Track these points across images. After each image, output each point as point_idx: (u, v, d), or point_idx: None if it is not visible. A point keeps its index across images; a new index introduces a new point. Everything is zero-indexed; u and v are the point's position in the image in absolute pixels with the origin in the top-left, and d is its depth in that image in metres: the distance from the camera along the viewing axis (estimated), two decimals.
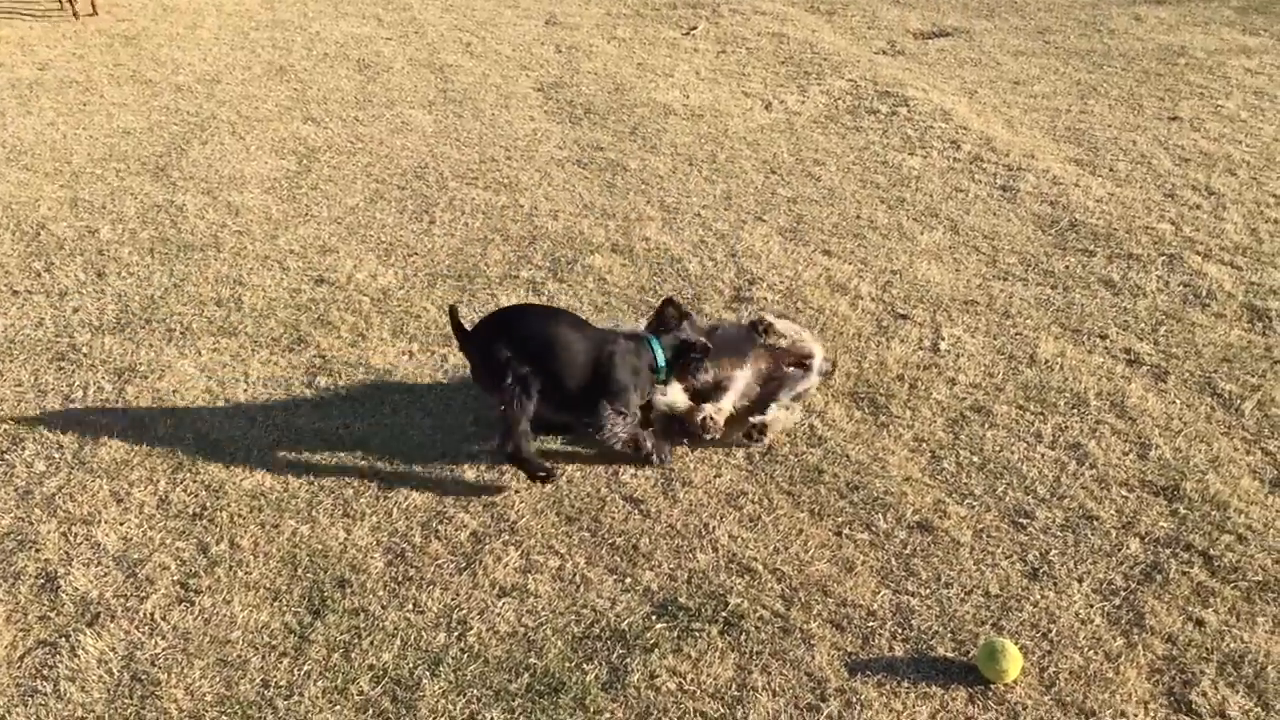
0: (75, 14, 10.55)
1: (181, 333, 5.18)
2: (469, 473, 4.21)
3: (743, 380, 4.44)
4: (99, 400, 4.68)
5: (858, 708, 3.21)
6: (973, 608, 3.55)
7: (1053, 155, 6.99)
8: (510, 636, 3.48)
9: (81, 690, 3.32)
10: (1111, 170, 6.75)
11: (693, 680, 3.31)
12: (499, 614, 3.56)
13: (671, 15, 10.57)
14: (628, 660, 3.38)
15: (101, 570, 3.78)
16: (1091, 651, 3.37)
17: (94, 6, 10.69)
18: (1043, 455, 4.24)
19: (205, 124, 7.81)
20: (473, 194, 6.62)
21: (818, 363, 4.56)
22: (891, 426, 4.42)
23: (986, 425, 4.41)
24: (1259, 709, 3.17)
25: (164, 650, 3.45)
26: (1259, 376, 4.66)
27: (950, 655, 3.38)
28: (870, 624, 3.50)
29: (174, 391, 4.74)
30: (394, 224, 6.26)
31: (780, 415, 4.36)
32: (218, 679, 3.35)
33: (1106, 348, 4.90)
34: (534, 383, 4.06)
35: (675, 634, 3.47)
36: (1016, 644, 3.33)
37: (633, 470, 4.20)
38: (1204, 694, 3.22)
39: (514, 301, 5.35)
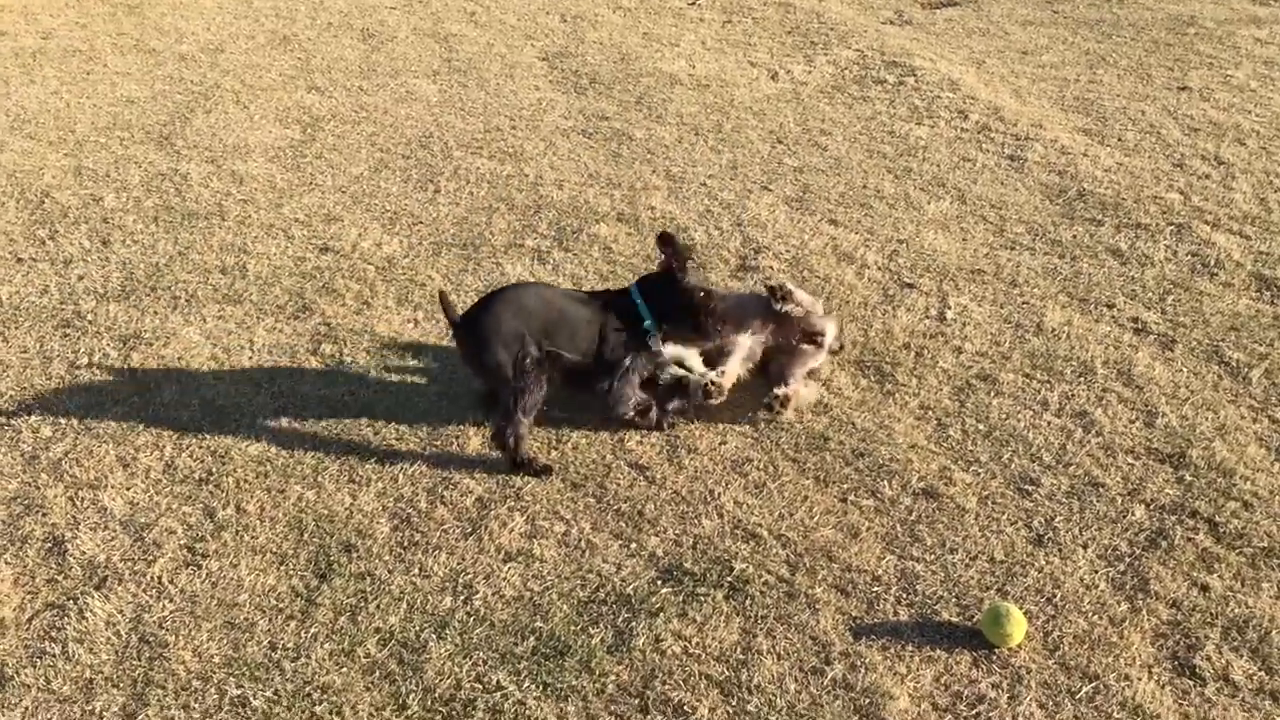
0: None
1: (187, 300, 5.18)
2: (474, 439, 4.22)
3: (746, 346, 4.41)
4: (104, 367, 4.68)
5: (862, 670, 3.22)
6: (977, 573, 3.56)
7: (1061, 125, 6.95)
8: (516, 600, 3.49)
9: (90, 652, 3.33)
10: (1120, 140, 6.71)
11: (698, 644, 3.32)
12: (504, 578, 3.57)
13: None
14: (633, 624, 3.39)
15: (108, 534, 3.79)
16: (1096, 616, 3.38)
17: None
18: (1049, 423, 4.23)
19: (209, 93, 7.78)
20: (478, 163, 6.60)
21: (829, 340, 4.54)
22: (898, 394, 4.42)
23: (992, 393, 4.40)
24: (1263, 673, 3.18)
25: (171, 613, 3.47)
26: (1267, 345, 4.64)
27: (955, 620, 3.39)
28: (875, 589, 3.51)
29: (179, 358, 4.74)
30: (399, 193, 6.24)
31: (801, 390, 4.35)
32: (225, 641, 3.36)
33: (1114, 316, 4.89)
34: (540, 373, 3.99)
35: (680, 598, 3.48)
36: (1021, 609, 3.34)
37: (638, 437, 4.20)
38: (1208, 658, 3.23)
39: (519, 271, 5.34)
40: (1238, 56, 8.09)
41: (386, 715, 3.12)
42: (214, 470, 4.08)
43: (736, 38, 8.87)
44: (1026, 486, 3.92)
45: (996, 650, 3.27)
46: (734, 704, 3.14)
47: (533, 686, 3.19)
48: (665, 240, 4.16)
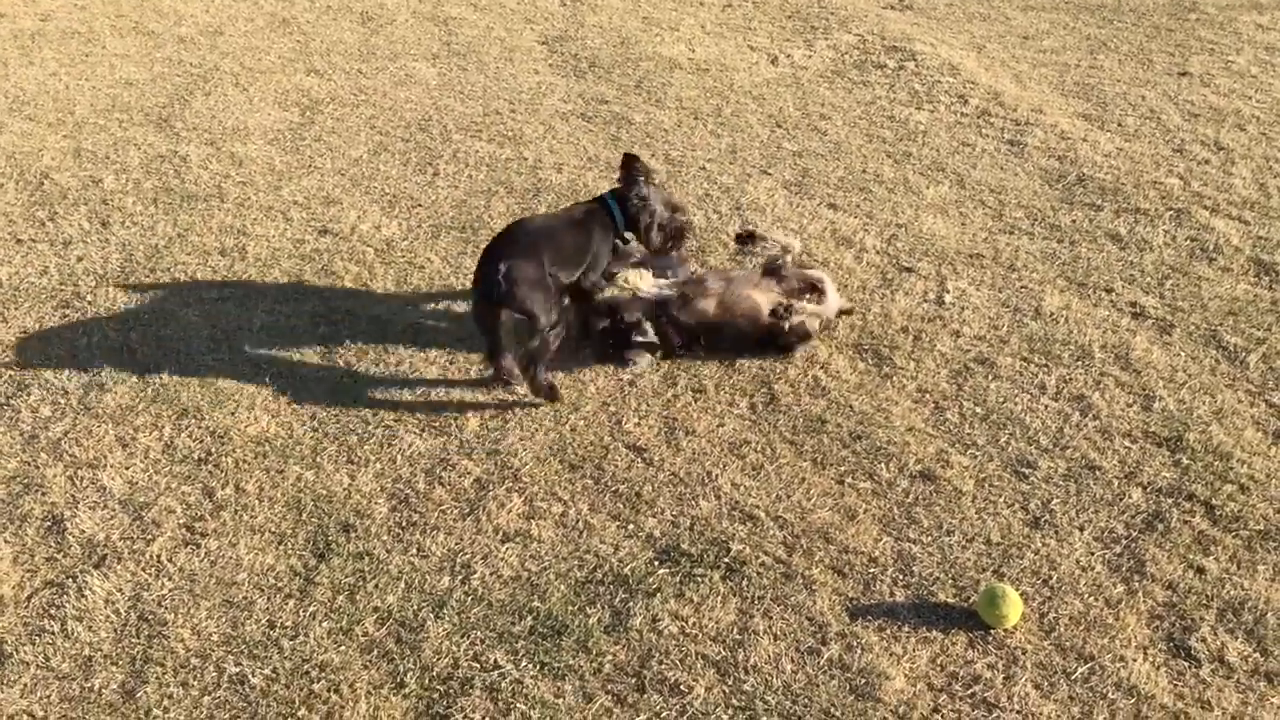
0: None
1: (186, 281, 5.18)
2: (473, 420, 4.22)
3: (723, 282, 4.59)
4: (104, 347, 4.69)
5: (858, 651, 3.23)
6: (974, 555, 3.57)
7: (1061, 110, 6.94)
8: (514, 580, 3.50)
9: (89, 630, 3.35)
10: (1120, 125, 6.70)
11: (694, 624, 3.33)
12: (502, 559, 3.58)
13: None
14: (630, 604, 3.40)
15: (108, 513, 3.80)
16: (1092, 598, 3.39)
17: None
18: (1046, 406, 4.24)
19: (208, 75, 7.77)
20: (477, 146, 6.59)
21: (830, 287, 4.65)
22: (895, 378, 4.42)
23: (990, 377, 4.41)
24: (1258, 654, 3.19)
25: (170, 591, 3.48)
26: (1264, 330, 4.65)
27: (951, 601, 3.40)
28: (872, 570, 3.52)
29: (178, 339, 4.74)
30: (398, 176, 6.24)
31: (809, 306, 4.48)
32: (224, 619, 3.37)
33: (1112, 301, 4.89)
34: (560, 303, 4.40)
35: (677, 579, 3.49)
36: (1017, 590, 3.35)
37: (636, 418, 4.21)
38: (1203, 640, 3.24)
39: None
40: (1239, 42, 8.08)
41: (384, 694, 3.14)
42: (213, 450, 4.09)
43: (736, 22, 8.85)
44: (1023, 469, 3.93)
45: (992, 631, 3.29)
46: (730, 684, 3.15)
47: (530, 666, 3.21)
48: (627, 161, 4.73)
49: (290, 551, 3.63)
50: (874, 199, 5.87)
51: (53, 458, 4.06)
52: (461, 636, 3.30)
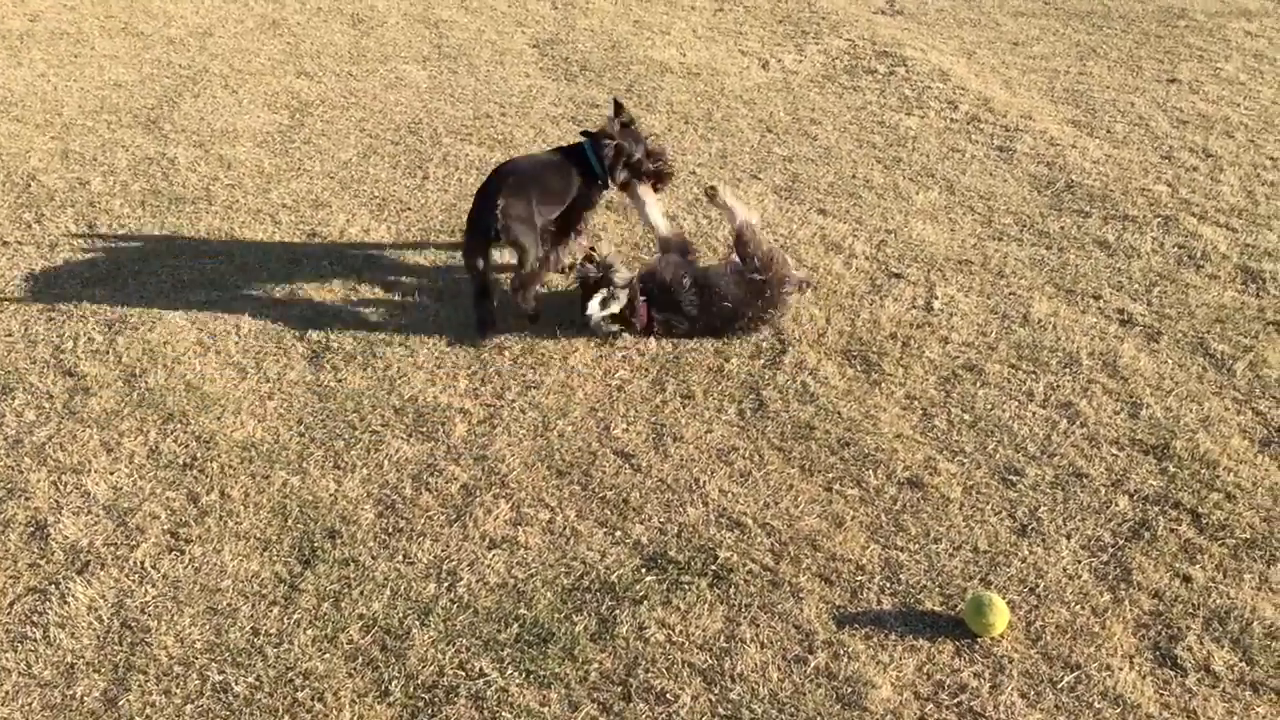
0: None
1: (173, 285, 5.16)
2: (460, 426, 4.21)
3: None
4: (89, 351, 4.67)
5: (845, 659, 3.23)
6: (961, 563, 3.57)
7: (1050, 116, 6.95)
8: (500, 588, 3.49)
9: (71, 637, 3.33)
10: (1109, 132, 6.71)
11: (681, 632, 3.33)
12: (489, 565, 3.57)
13: None
14: (617, 612, 3.39)
15: (91, 519, 3.78)
16: (1078, 606, 3.39)
17: None
18: (1034, 414, 4.24)
19: (197, 77, 7.74)
20: (467, 150, 6.58)
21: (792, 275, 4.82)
22: (884, 384, 4.42)
23: (978, 384, 4.41)
24: (1243, 664, 3.20)
25: (154, 598, 3.46)
26: (1251, 337, 4.66)
27: (938, 609, 3.40)
28: (859, 578, 3.52)
29: (165, 343, 4.72)
30: (387, 179, 6.22)
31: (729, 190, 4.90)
32: (207, 626, 3.36)
33: (1100, 308, 4.90)
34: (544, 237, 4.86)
35: (665, 586, 3.48)
36: (1004, 599, 3.35)
37: (624, 424, 4.20)
38: (1189, 649, 3.24)
39: (508, 256, 5.32)
40: (1227, 49, 8.10)
41: (369, 702, 3.12)
42: (198, 455, 4.07)
43: (728, 26, 8.85)
44: (1011, 477, 3.93)
45: (979, 640, 3.29)
46: (717, 692, 3.15)
47: (516, 674, 3.20)
48: (616, 108, 5.15)
49: (275, 558, 3.61)
50: (863, 204, 5.88)
51: (36, 462, 4.04)
52: (447, 644, 3.29)
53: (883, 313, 4.87)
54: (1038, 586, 3.47)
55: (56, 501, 3.86)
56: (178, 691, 3.16)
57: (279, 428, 4.21)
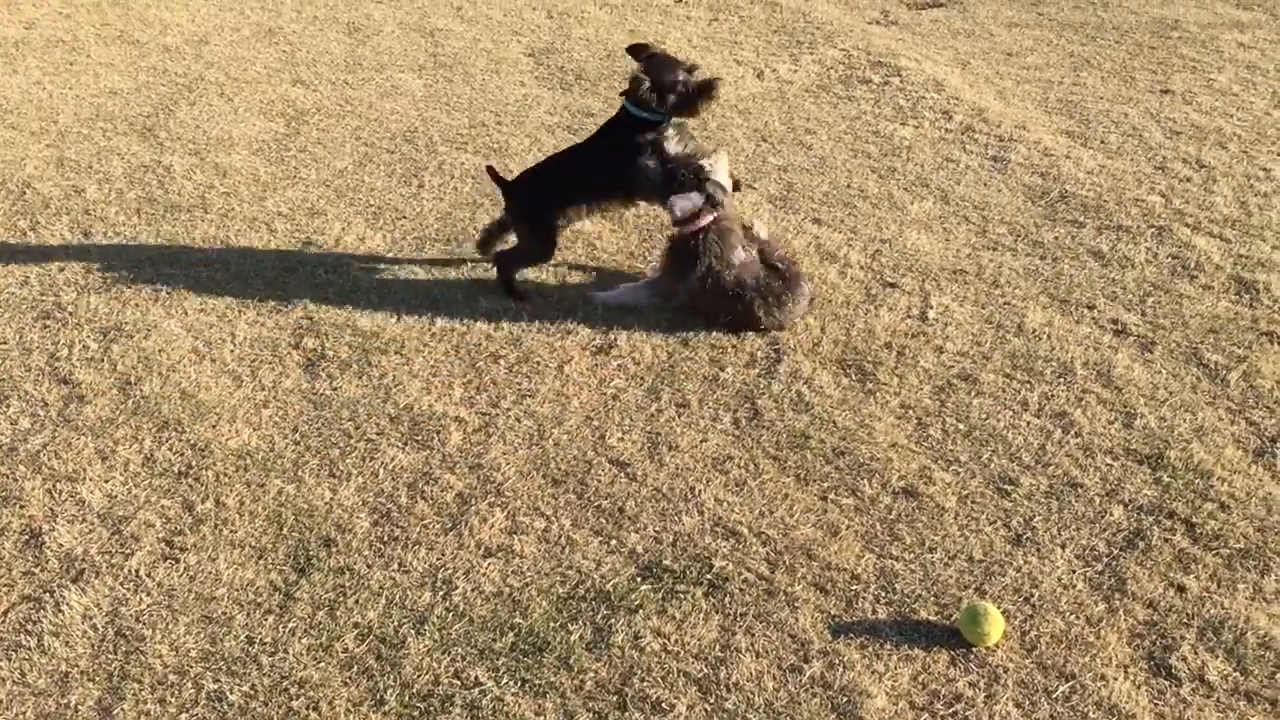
0: None
1: (168, 293, 5.15)
2: (455, 435, 4.21)
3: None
4: (84, 359, 4.66)
5: (840, 669, 3.23)
6: (956, 572, 3.57)
7: (1044, 127, 6.98)
8: (495, 596, 3.49)
9: (66, 645, 3.32)
10: (1103, 142, 6.74)
11: (677, 641, 3.33)
12: (484, 574, 3.57)
13: None
14: (612, 621, 3.39)
15: (86, 527, 3.77)
16: (1073, 616, 3.40)
17: None
18: (1028, 423, 4.25)
19: (193, 85, 7.74)
20: (462, 159, 6.59)
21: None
22: (879, 393, 4.43)
23: (973, 393, 4.42)
24: (1238, 674, 3.20)
25: (149, 606, 3.45)
26: (1245, 348, 4.68)
27: (933, 618, 3.40)
28: (854, 587, 3.52)
29: (160, 351, 4.72)
30: (383, 188, 6.23)
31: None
32: (202, 635, 3.35)
33: (1094, 318, 4.91)
34: (550, 235, 5.07)
35: (660, 596, 3.48)
36: (999, 608, 3.36)
37: (620, 433, 4.21)
38: (1184, 658, 3.25)
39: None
40: (1220, 60, 8.14)
41: (364, 711, 3.12)
42: (194, 464, 4.07)
43: (723, 36, 8.88)
44: (1005, 486, 3.94)
45: (974, 649, 3.29)
46: (712, 702, 3.15)
47: (511, 683, 3.19)
48: (633, 50, 5.00)
49: (270, 566, 3.61)
50: (858, 214, 5.89)
51: (31, 470, 4.04)
52: (442, 653, 3.29)
53: (878, 322, 4.88)
54: (1032, 596, 3.48)
55: (51, 509, 3.85)
56: (172, 700, 3.15)
57: (274, 436, 4.21)
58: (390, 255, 5.48)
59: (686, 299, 4.84)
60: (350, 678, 3.22)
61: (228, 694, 3.17)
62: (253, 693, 3.17)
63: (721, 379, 4.51)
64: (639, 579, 3.55)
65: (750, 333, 4.75)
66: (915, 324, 4.87)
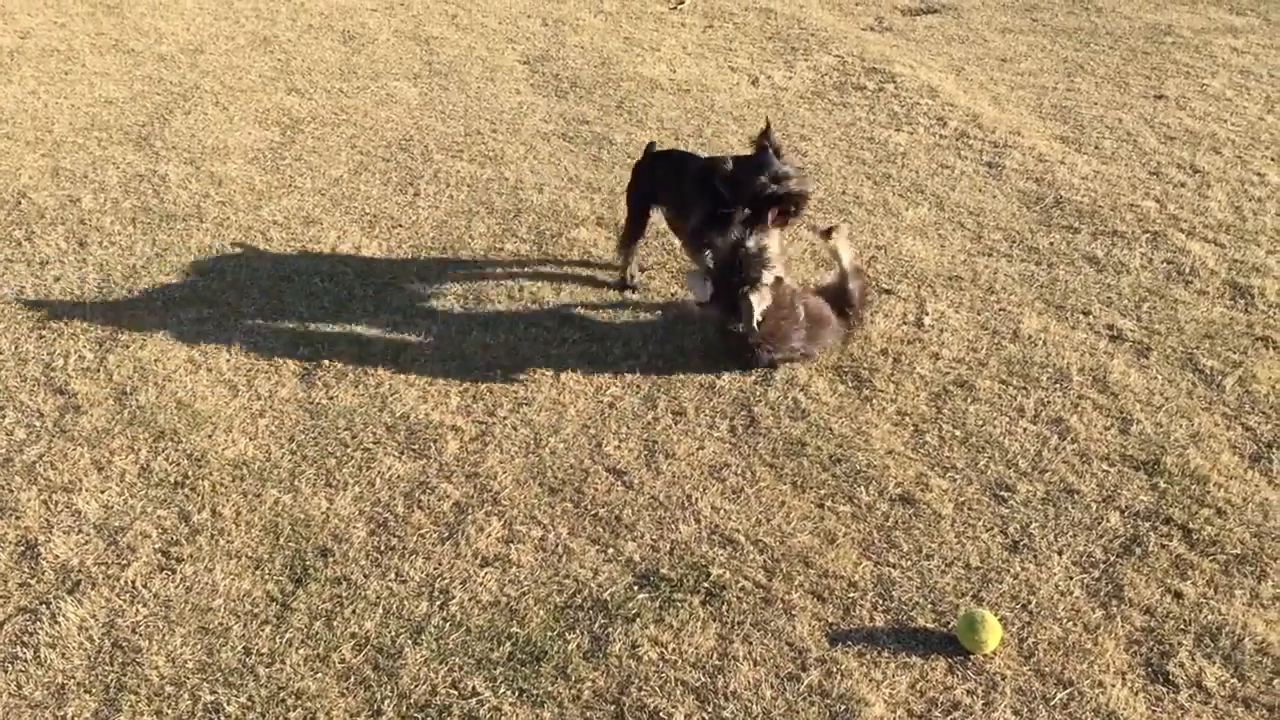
0: None
1: (164, 302, 5.15)
2: (452, 444, 4.21)
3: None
4: (80, 369, 4.65)
5: (838, 677, 3.23)
6: (953, 579, 3.57)
7: (1039, 132, 6.99)
8: (492, 606, 3.49)
9: (62, 657, 3.31)
10: (1097, 148, 6.75)
11: (674, 650, 3.32)
12: (481, 584, 3.57)
13: None
14: (609, 630, 3.39)
15: (82, 538, 3.76)
16: (1070, 623, 3.40)
17: None
18: (1025, 430, 4.26)
19: (188, 94, 7.74)
20: (458, 166, 6.59)
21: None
22: (875, 400, 4.43)
23: (969, 400, 4.42)
24: (1235, 680, 3.20)
25: (145, 618, 3.44)
26: (1240, 353, 4.68)
27: (930, 626, 3.40)
28: (851, 595, 3.52)
29: (156, 361, 4.71)
30: (378, 196, 6.23)
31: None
32: (199, 646, 3.34)
33: (1090, 324, 4.92)
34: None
35: (657, 604, 3.48)
36: (996, 615, 3.36)
37: (616, 441, 4.21)
38: (1181, 665, 3.25)
39: (499, 274, 5.33)
40: (1214, 65, 8.16)
41: None
42: (190, 474, 4.06)
43: (717, 43, 8.89)
44: (1002, 493, 3.94)
45: (972, 657, 3.29)
46: (710, 710, 3.14)
47: (508, 692, 3.19)
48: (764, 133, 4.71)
49: (267, 577, 3.60)
50: (853, 220, 5.90)
51: (27, 481, 4.03)
52: (439, 663, 3.28)
53: (873, 329, 4.88)
54: (1030, 603, 3.48)
55: (47, 520, 3.84)
56: (169, 712, 3.14)
57: (270, 445, 4.21)
58: (386, 263, 5.48)
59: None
60: (347, 688, 3.21)
61: (224, 705, 3.16)
62: (250, 704, 3.16)
63: (718, 386, 4.51)
64: (636, 587, 3.55)
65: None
66: (911, 330, 4.88)
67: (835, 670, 3.25)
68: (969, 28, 9.23)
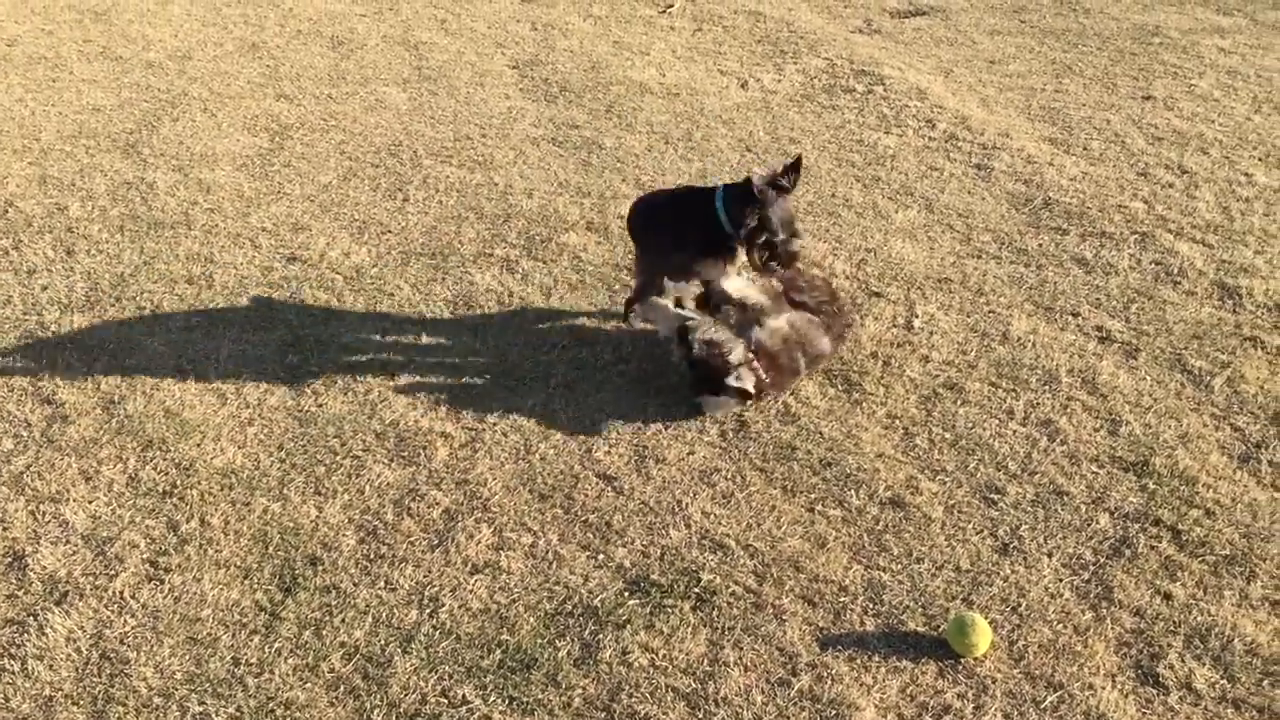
0: None
1: (152, 311, 5.13)
2: (442, 450, 4.20)
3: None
4: (68, 378, 4.64)
5: (829, 682, 3.23)
6: (943, 582, 3.57)
7: (1027, 134, 7.00)
8: (482, 613, 3.48)
9: (49, 669, 3.30)
10: (1085, 149, 6.76)
11: (665, 656, 3.32)
12: (471, 591, 3.56)
13: None
14: (600, 636, 3.38)
15: (70, 549, 3.75)
16: (1060, 625, 3.40)
17: None
18: (1014, 432, 4.26)
19: (176, 101, 7.73)
20: (447, 172, 6.58)
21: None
22: (865, 403, 4.43)
23: (959, 402, 4.43)
24: (1225, 681, 3.21)
25: (133, 628, 3.43)
26: (1229, 353, 4.69)
27: (921, 630, 3.40)
28: (842, 599, 3.52)
29: (144, 369, 4.70)
30: (367, 202, 6.21)
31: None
32: (187, 657, 3.33)
33: (1079, 325, 4.93)
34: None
35: (648, 610, 3.48)
36: (986, 618, 3.36)
37: (606, 446, 4.20)
38: (1171, 666, 3.25)
39: (489, 279, 5.32)
40: (1201, 66, 8.18)
41: None
42: (178, 483, 4.05)
43: (707, 46, 8.89)
44: (992, 495, 3.94)
45: (962, 660, 3.29)
46: (700, 716, 3.14)
47: (499, 700, 3.18)
48: (794, 167, 4.55)
49: (256, 586, 3.59)
50: (843, 223, 5.90)
51: (14, 492, 4.01)
52: (429, 671, 3.28)
53: (863, 331, 4.88)
54: (1020, 605, 3.48)
55: (34, 531, 3.83)
56: None
57: (259, 454, 4.19)
58: (375, 270, 5.47)
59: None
60: (337, 698, 3.20)
61: (213, 716, 3.15)
62: (239, 715, 3.15)
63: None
64: (626, 593, 3.54)
65: None
66: (901, 333, 4.88)
67: (826, 675, 3.25)
68: (957, 29, 9.24)
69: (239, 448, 4.22)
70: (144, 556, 3.71)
